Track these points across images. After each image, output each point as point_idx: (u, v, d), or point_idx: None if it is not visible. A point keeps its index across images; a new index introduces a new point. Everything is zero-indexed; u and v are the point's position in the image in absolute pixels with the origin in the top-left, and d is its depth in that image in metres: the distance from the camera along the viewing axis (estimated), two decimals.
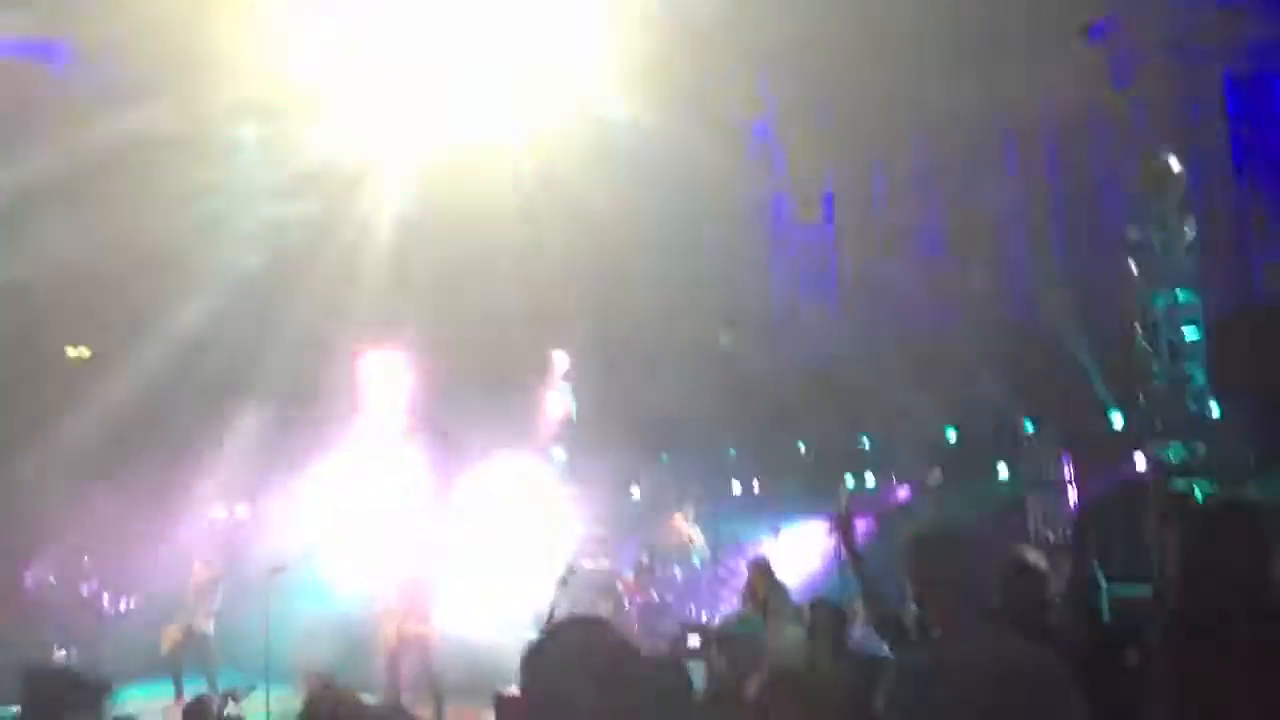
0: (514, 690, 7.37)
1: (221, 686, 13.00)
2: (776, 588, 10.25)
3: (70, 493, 15.17)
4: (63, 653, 15.28)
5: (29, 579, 15.75)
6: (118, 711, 10.54)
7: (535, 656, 2.45)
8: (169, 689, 13.34)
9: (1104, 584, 8.76)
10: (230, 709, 9.45)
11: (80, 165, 13.96)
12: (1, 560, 15.35)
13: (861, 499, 16.40)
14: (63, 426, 14.82)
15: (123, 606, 15.04)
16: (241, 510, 17.38)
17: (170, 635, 13.79)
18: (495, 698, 9.93)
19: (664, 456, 18.27)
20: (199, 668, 13.59)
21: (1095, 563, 8.94)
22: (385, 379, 17.44)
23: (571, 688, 2.33)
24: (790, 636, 9.40)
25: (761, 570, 10.31)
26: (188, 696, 11.94)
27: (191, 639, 13.74)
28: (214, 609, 13.86)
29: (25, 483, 14.70)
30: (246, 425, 16.15)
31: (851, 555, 5.45)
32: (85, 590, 15.81)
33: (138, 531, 14.62)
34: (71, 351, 19.72)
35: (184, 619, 13.85)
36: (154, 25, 12.74)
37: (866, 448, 17.47)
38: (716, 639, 5.88)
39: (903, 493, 16.75)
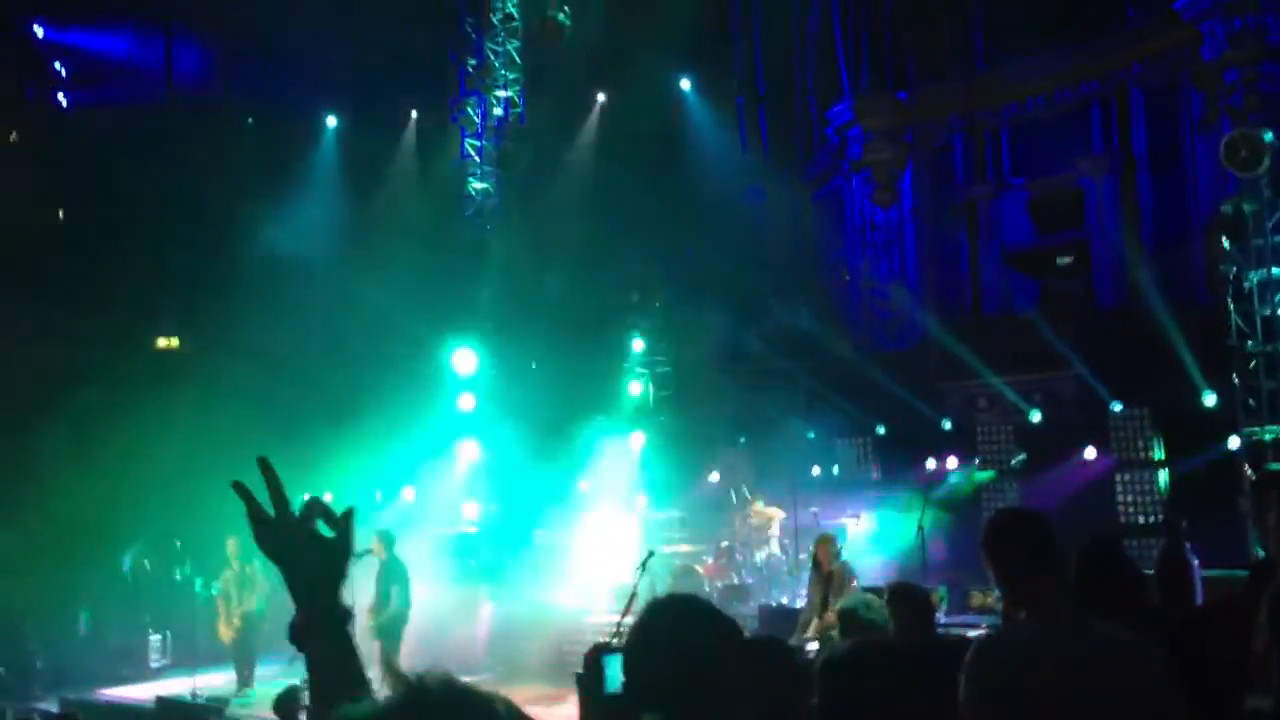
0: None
1: (259, 670, 13.06)
2: (841, 563, 10.20)
3: (161, 477, 15.53)
4: (158, 637, 15.65)
5: (126, 564, 16.17)
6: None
7: (639, 638, 2.41)
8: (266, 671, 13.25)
9: (1196, 565, 8.57)
10: None
11: None
12: (101, 545, 15.74)
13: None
14: (154, 414, 15.16)
15: (214, 590, 15.33)
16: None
17: (223, 631, 13.40)
18: (578, 678, 9.96)
19: (741, 439, 18.19)
20: (244, 651, 13.23)
21: (1186, 545, 8.76)
22: (465, 362, 17.56)
23: (680, 666, 2.30)
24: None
25: (826, 543, 10.29)
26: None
27: (242, 623, 13.16)
28: (258, 585, 13.14)
29: (118, 469, 15.05)
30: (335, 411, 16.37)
31: None
32: (178, 574, 16.16)
33: (227, 513, 14.87)
34: (162, 342, 20.23)
35: (226, 606, 13.26)
36: None
37: (948, 429, 17.22)
38: (843, 621, 5.77)
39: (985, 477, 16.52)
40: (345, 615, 1.85)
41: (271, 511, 1.85)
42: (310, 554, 1.86)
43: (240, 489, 1.87)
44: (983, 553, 3.55)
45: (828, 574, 10.00)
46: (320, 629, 1.82)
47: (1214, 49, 16.83)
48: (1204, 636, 4.67)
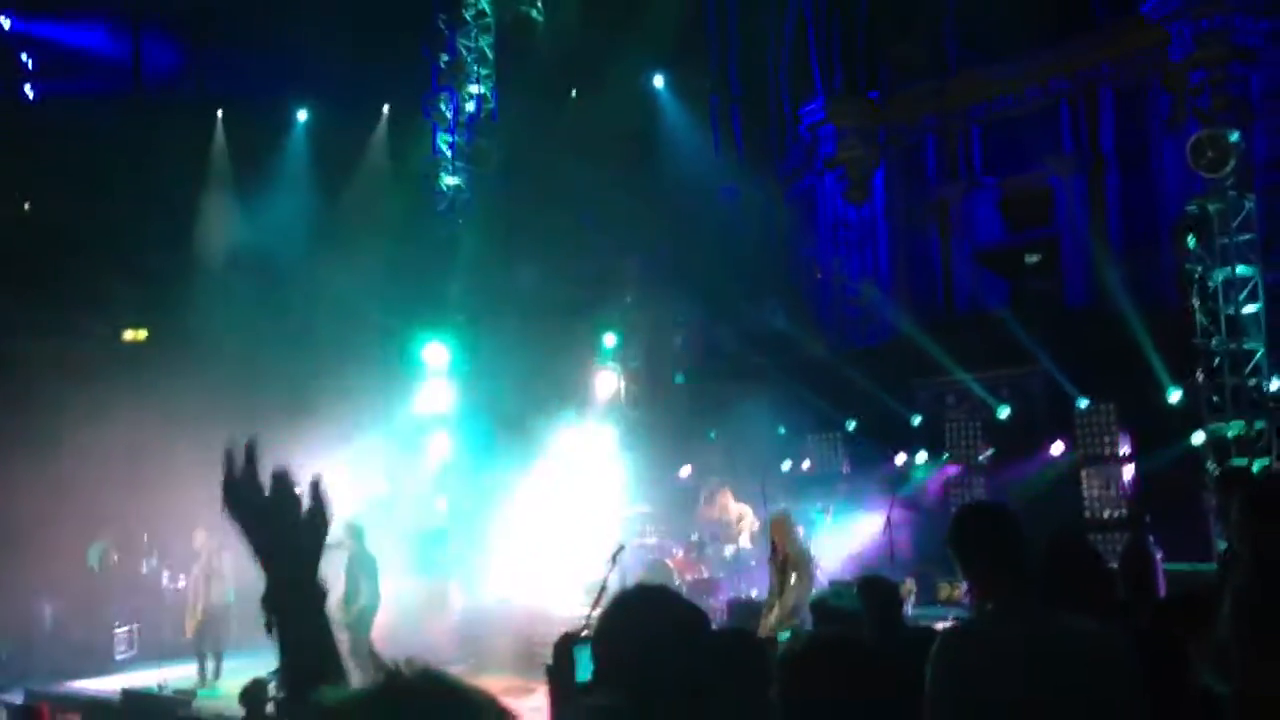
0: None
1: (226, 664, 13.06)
2: (795, 542, 10.14)
3: (128, 470, 15.42)
4: (124, 630, 15.54)
5: (92, 557, 16.04)
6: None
7: (609, 623, 2.42)
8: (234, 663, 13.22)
9: (1159, 558, 8.68)
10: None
11: None
12: (68, 540, 15.61)
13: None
14: (121, 406, 15.04)
15: (180, 583, 15.22)
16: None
17: (189, 624, 13.40)
18: (548, 670, 9.96)
19: (712, 434, 18.24)
20: (211, 644, 13.27)
21: (1150, 538, 8.86)
22: (436, 356, 17.51)
23: (648, 651, 2.30)
24: (806, 589, 9.42)
25: (781, 524, 10.18)
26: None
27: (209, 617, 13.17)
28: (225, 578, 13.14)
29: (85, 462, 14.94)
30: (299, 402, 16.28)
31: None
32: (144, 567, 16.06)
33: (194, 507, 14.78)
34: (129, 334, 20.08)
35: (196, 599, 13.25)
36: None
37: (917, 425, 17.33)
38: (815, 611, 5.78)
39: (953, 470, 16.63)
40: (321, 594, 1.82)
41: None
42: (283, 518, 1.82)
43: (225, 452, 1.84)
44: (949, 546, 3.59)
45: (784, 558, 9.86)
46: (292, 601, 1.78)
47: (1181, 50, 16.96)
48: (1168, 627, 4.74)
